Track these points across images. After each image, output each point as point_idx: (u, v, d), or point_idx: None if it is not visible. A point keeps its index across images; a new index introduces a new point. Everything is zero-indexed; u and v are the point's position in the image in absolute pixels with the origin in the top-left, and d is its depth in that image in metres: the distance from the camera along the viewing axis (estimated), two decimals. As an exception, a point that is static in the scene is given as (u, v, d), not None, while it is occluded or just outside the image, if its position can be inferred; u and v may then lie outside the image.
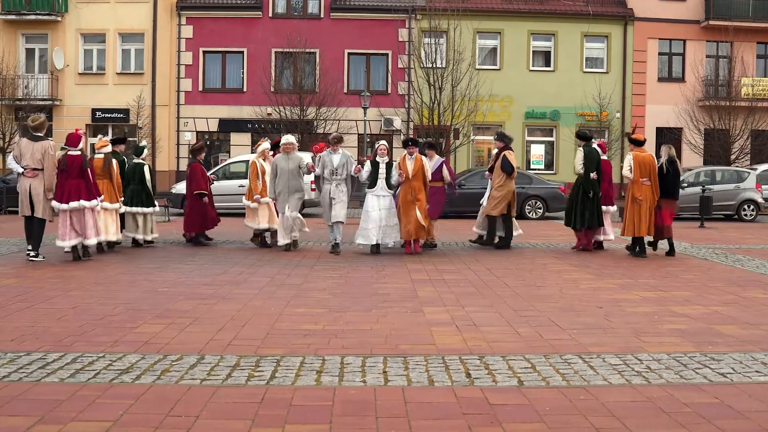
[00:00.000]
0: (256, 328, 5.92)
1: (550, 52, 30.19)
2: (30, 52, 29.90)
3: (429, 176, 11.39)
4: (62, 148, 10.33)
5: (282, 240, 11.36)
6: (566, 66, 29.80)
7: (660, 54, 30.45)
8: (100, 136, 12.77)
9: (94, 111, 29.16)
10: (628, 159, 11.24)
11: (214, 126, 29.64)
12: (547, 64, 30.24)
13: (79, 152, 10.03)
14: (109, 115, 29.20)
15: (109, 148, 11.34)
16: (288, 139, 11.60)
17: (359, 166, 11.43)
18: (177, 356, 5.02)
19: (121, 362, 4.87)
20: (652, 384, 4.53)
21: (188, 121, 29.54)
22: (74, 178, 9.87)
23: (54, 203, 9.83)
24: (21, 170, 9.84)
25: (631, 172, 11.07)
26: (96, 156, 11.26)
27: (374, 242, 11.05)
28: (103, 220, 10.71)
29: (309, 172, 11.46)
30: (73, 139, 10.08)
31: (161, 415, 3.89)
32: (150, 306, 6.81)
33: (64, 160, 9.94)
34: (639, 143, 11.45)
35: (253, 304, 6.95)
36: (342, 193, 11.18)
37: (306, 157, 12.10)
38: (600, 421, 3.88)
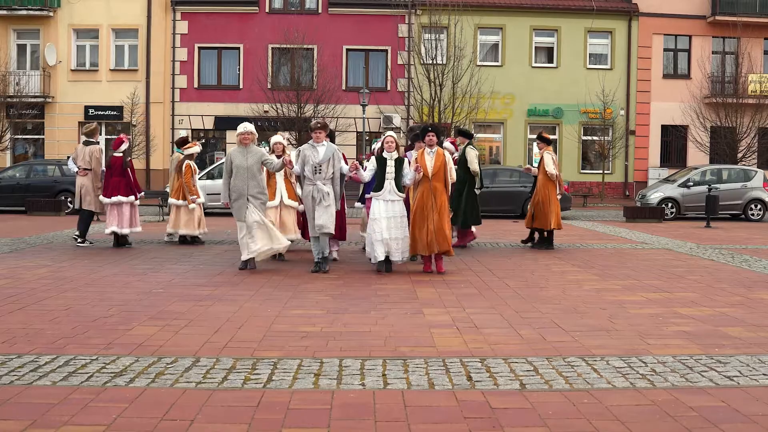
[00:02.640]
0: (253, 330, 5.86)
1: (552, 48, 30.12)
2: (21, 48, 29.78)
3: (453, 176, 9.57)
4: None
5: (245, 254, 9.31)
6: (569, 62, 29.73)
7: (665, 50, 30.31)
8: (196, 140, 13.61)
9: (87, 108, 29.05)
10: (551, 157, 11.92)
11: (209, 123, 29.56)
12: (550, 60, 30.17)
13: (120, 154, 11.59)
14: (103, 113, 29.09)
15: (195, 150, 12.40)
16: (246, 127, 9.51)
17: (357, 163, 9.80)
18: (172, 359, 4.96)
19: (114, 365, 4.80)
20: (656, 387, 4.47)
21: (183, 118, 29.44)
22: (116, 176, 11.52)
23: (101, 197, 11.57)
24: (76, 169, 11.77)
25: (555, 169, 11.80)
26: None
27: (383, 258, 9.09)
28: (187, 215, 12.10)
29: (281, 169, 9.62)
30: (116, 143, 11.78)
31: (156, 419, 3.84)
32: (144, 308, 6.75)
33: (109, 161, 11.70)
34: (549, 141, 12.42)
35: (250, 306, 6.88)
36: (328, 197, 8.99)
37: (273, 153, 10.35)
38: (604, 425, 3.82)
